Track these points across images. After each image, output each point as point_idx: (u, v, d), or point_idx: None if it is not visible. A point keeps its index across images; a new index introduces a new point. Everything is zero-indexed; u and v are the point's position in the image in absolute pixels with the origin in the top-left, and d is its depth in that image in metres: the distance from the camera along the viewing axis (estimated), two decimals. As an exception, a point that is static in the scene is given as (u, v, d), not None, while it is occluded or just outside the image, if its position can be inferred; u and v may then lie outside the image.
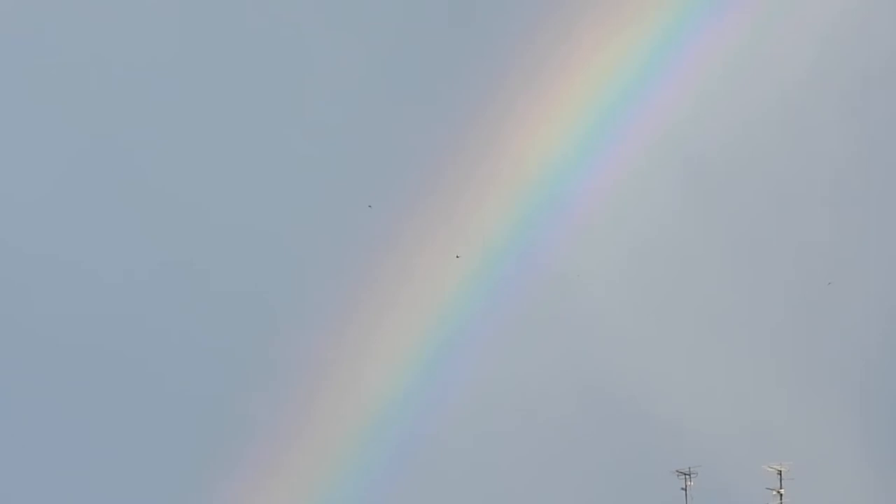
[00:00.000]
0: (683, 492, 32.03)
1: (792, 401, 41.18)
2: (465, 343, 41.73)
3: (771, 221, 49.55)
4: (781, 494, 31.30)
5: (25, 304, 47.71)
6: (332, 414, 42.32)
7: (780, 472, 31.20)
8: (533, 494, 40.65)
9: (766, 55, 46.75)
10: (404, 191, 44.22)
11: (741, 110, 47.65)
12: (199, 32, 48.42)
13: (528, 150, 42.51)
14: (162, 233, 48.65)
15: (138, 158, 49.85)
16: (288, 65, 48.99)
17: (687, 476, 31.97)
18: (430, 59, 46.32)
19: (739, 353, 44.90)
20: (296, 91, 49.50)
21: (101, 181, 48.99)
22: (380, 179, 45.30)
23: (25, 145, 51.58)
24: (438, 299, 42.95)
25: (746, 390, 41.33)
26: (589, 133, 42.70)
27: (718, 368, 44.04)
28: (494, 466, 42.02)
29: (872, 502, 38.60)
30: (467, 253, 41.79)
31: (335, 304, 45.98)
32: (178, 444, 44.77)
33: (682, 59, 42.75)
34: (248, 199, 49.23)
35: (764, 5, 45.77)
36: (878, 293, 45.84)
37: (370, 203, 45.25)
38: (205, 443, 43.23)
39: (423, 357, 41.47)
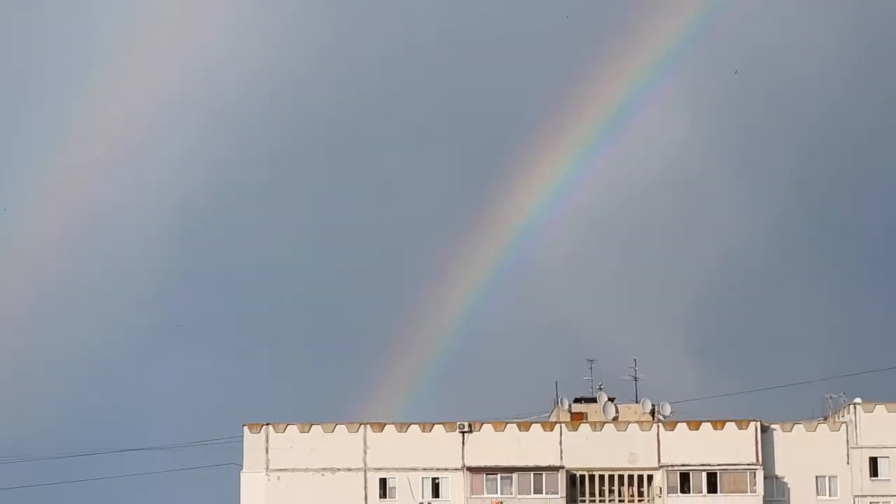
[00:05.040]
0: (590, 369, 66.45)
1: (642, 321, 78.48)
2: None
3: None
4: (636, 370, 66.22)
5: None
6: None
7: (635, 360, 65.89)
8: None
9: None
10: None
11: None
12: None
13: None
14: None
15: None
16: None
17: (592, 362, 66.50)
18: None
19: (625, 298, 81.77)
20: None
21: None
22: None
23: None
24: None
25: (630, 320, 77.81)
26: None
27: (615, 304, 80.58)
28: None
29: (692, 379, 74.69)
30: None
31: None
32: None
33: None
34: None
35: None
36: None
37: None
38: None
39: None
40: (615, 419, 65.15)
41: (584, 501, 62.82)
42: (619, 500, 63.02)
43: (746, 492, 62.15)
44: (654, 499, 62.82)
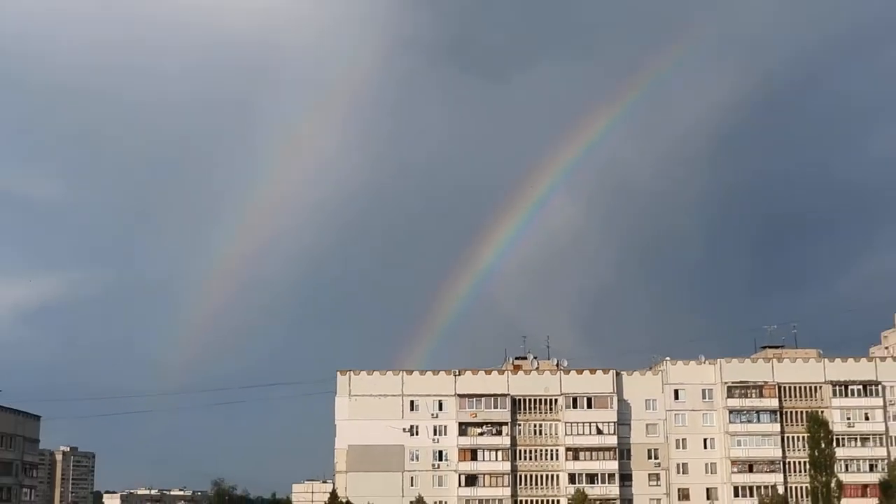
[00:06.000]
0: (524, 341, 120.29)
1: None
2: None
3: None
4: (549, 342, 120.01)
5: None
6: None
7: (548, 336, 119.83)
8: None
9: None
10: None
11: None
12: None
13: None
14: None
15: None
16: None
17: (525, 338, 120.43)
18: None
19: (542, 304, 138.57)
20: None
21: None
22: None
23: None
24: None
25: (546, 316, 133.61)
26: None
27: (537, 307, 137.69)
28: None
29: (579, 346, 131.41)
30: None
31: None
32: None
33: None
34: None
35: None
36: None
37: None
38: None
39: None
40: (537, 368, 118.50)
41: (521, 413, 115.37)
42: (539, 412, 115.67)
43: (608, 408, 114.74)
44: (557, 412, 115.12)
